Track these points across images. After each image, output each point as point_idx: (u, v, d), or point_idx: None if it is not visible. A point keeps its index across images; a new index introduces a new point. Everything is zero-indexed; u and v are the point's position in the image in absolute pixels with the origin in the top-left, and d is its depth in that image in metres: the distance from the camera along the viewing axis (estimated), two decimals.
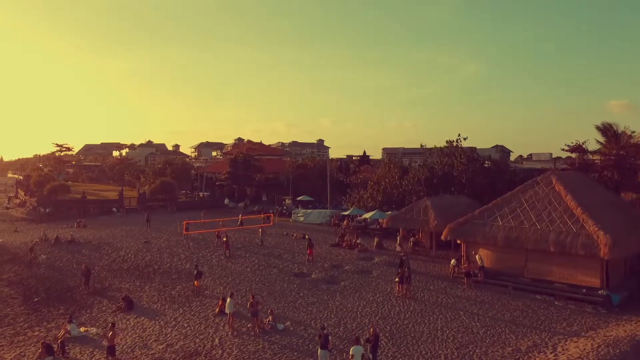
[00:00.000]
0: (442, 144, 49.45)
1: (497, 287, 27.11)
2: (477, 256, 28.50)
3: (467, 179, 44.53)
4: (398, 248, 36.68)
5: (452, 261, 29.68)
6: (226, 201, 67.75)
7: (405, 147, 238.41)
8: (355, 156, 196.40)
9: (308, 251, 33.54)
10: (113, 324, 19.38)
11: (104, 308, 24.71)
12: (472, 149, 53.02)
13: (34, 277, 31.05)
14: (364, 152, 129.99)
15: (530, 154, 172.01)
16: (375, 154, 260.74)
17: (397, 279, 25.63)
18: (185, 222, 41.48)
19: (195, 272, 26.78)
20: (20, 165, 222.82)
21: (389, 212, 44.04)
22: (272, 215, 46.76)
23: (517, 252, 27.46)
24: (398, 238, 37.53)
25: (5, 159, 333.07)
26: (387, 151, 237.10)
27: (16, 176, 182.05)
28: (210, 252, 36.02)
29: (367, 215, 43.59)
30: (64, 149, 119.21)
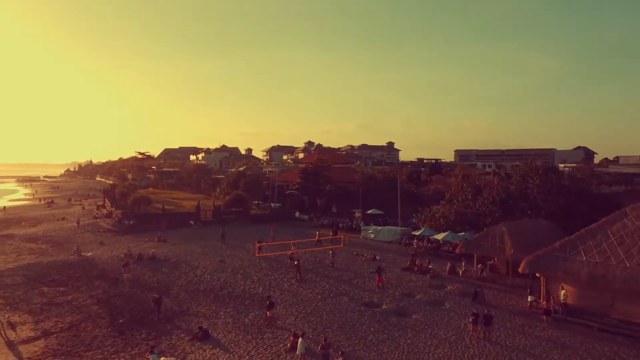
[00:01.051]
0: (518, 144, 47.53)
1: (580, 326, 25.61)
2: (562, 292, 26.97)
3: (543, 199, 42.32)
4: (461, 273, 35.72)
5: (529, 297, 28.29)
6: (297, 214, 68.77)
7: (479, 149, 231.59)
8: (426, 159, 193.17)
9: (377, 279, 33.36)
10: None
11: (182, 334, 25.80)
12: (549, 166, 50.17)
13: (119, 296, 33.03)
14: (436, 161, 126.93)
15: (617, 157, 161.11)
16: (448, 156, 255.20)
17: (470, 319, 24.76)
18: (257, 244, 42.48)
19: (267, 302, 27.34)
20: (108, 168, 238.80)
21: (462, 233, 42.85)
22: (343, 236, 46.87)
23: (603, 289, 25.78)
24: (463, 263, 36.41)
25: (95, 161, 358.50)
26: (459, 153, 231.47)
27: (104, 180, 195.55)
28: (282, 274, 36.65)
29: (439, 236, 42.63)
30: (145, 156, 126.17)
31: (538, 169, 44.77)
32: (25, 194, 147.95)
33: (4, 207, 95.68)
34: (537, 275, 29.48)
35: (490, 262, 36.78)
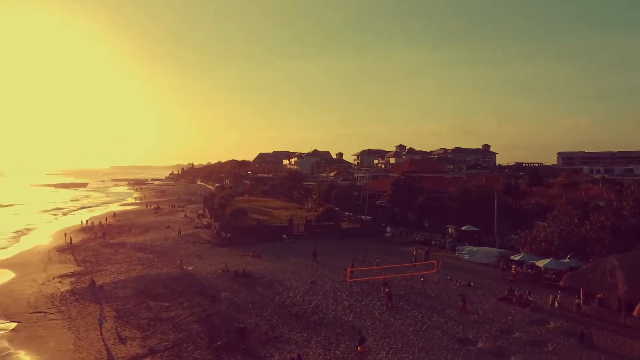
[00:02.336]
0: (629, 145, 43.12)
1: None
2: None
3: None
4: (557, 305, 33.32)
5: None
6: (387, 229, 67.81)
7: (585, 150, 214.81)
8: (525, 163, 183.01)
9: (462, 307, 32.45)
10: None
11: None
12: None
13: (217, 315, 34.48)
14: (537, 167, 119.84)
15: None
16: (549, 158, 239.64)
17: None
18: (350, 269, 42.39)
19: (358, 337, 27.25)
20: (207, 172, 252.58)
21: (567, 260, 39.95)
22: (435, 262, 45.62)
23: None
24: (558, 295, 33.86)
25: (195, 164, 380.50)
26: (563, 156, 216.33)
27: (204, 184, 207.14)
28: (373, 300, 36.30)
29: (541, 263, 40.00)
30: (242, 164, 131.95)
31: None
32: (135, 198, 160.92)
33: (114, 213, 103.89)
34: None
35: (599, 296, 33.87)
